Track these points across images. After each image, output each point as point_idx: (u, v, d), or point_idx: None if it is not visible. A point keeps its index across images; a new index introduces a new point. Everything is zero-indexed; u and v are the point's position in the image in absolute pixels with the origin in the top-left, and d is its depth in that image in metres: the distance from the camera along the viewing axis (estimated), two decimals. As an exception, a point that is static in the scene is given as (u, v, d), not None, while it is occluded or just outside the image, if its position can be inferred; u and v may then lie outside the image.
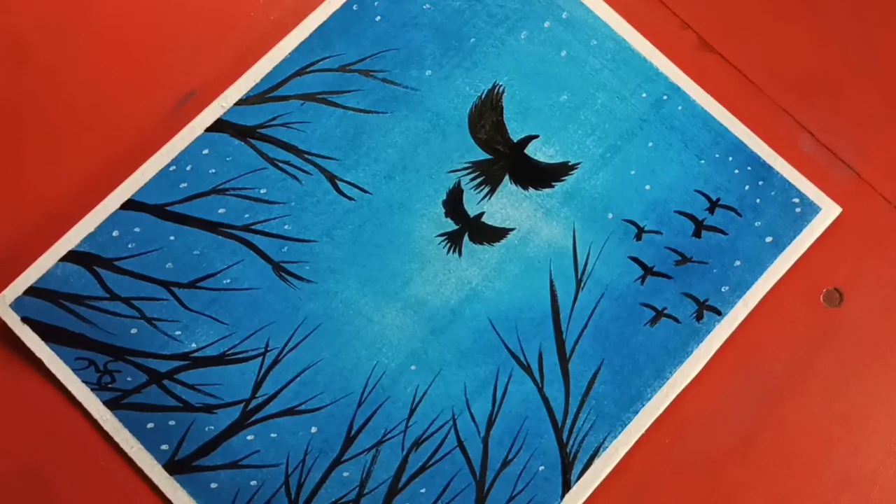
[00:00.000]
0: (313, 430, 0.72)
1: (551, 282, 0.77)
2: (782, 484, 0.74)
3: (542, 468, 0.73)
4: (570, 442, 0.74)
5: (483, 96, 0.80)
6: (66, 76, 0.80)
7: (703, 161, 0.80)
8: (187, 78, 0.80)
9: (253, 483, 0.71)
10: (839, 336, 0.77)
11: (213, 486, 0.71)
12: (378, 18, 0.81)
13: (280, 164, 0.78)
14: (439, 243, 0.77)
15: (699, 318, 0.77)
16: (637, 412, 0.75)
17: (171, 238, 0.76)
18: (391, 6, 0.81)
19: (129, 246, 0.75)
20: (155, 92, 0.79)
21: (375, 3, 0.81)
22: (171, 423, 0.72)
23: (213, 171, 0.77)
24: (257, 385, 0.73)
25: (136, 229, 0.76)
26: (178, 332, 0.74)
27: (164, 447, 0.71)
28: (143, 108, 0.79)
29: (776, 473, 0.74)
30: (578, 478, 0.73)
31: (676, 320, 0.77)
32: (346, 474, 0.72)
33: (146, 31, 0.80)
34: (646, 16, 0.83)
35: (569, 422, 0.74)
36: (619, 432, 0.74)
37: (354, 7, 0.81)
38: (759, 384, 0.76)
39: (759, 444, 0.75)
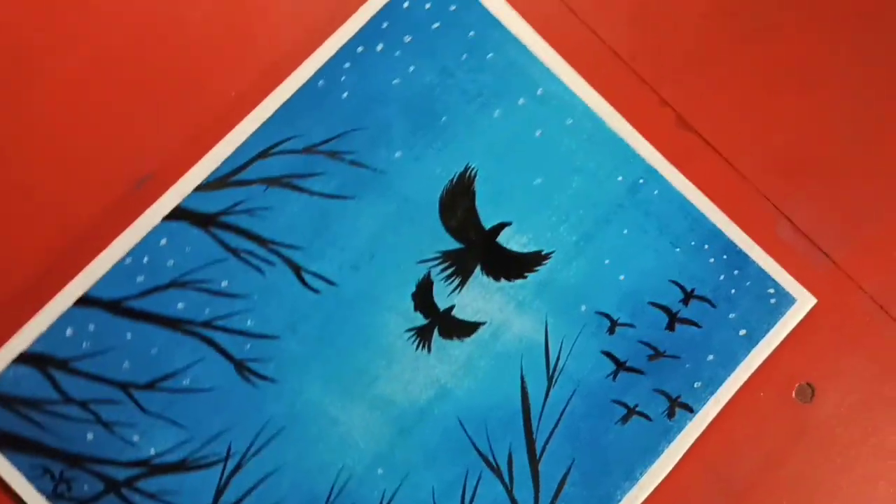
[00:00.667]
0: (278, 537, 0.71)
1: (522, 378, 0.75)
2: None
3: (509, 572, 0.72)
4: (538, 545, 0.73)
5: (455, 180, 0.76)
6: (12, 156, 0.74)
7: (678, 249, 0.77)
8: (143, 158, 0.75)
9: None
10: (810, 433, 0.76)
11: None
12: (345, 95, 0.76)
13: (242, 255, 0.74)
14: (408, 339, 0.74)
15: (671, 415, 0.75)
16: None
17: (128, 336, 0.72)
18: (359, 82, 0.76)
19: (84, 345, 0.71)
20: (109, 174, 0.74)
21: (342, 79, 0.76)
22: (131, 533, 0.70)
23: (171, 262, 0.73)
24: (219, 492, 0.71)
25: (91, 327, 0.71)
26: (135, 438, 0.71)
27: (124, 559, 0.69)
28: (97, 192, 0.74)
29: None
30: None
31: (648, 418, 0.75)
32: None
33: (100, 107, 0.75)
34: (624, 91, 0.79)
35: (536, 527, 0.73)
36: (588, 535, 0.73)
37: (320, 83, 0.76)
38: (730, 484, 0.75)
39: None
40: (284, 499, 0.71)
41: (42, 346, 0.71)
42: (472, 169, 0.76)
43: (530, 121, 0.77)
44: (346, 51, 0.76)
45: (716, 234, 0.77)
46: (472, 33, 0.77)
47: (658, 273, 0.77)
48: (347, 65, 0.76)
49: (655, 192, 0.77)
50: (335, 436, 0.72)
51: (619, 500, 0.73)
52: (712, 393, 0.75)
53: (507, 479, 0.73)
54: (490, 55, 0.77)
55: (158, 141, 0.75)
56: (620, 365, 0.75)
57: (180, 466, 0.71)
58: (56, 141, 0.74)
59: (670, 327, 0.76)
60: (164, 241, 0.73)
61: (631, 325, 0.76)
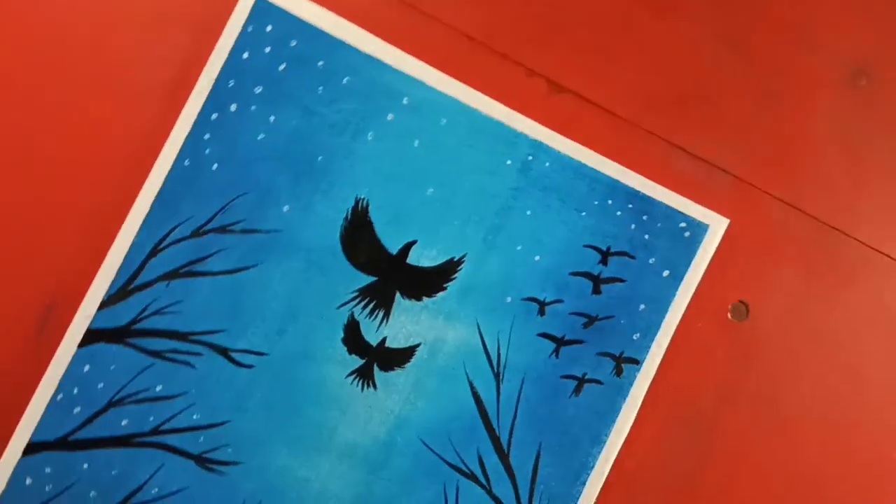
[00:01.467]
0: None
1: (470, 384, 0.75)
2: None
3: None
4: (531, 531, 0.75)
5: (349, 216, 0.75)
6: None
7: (584, 213, 0.76)
8: (38, 293, 0.73)
9: None
10: (755, 349, 0.78)
11: None
12: (215, 167, 0.74)
13: (167, 356, 0.73)
14: (351, 383, 0.74)
15: (619, 373, 0.76)
16: (585, 483, 0.76)
17: (85, 466, 0.72)
18: (224, 149, 0.73)
19: (47, 489, 0.71)
20: (8, 320, 0.72)
21: (207, 151, 0.73)
22: None
23: (101, 385, 0.72)
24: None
25: (47, 469, 0.72)
26: (125, 559, 0.72)
27: None
28: (4, 341, 0.72)
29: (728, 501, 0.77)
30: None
31: (599, 382, 0.76)
32: None
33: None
34: (489, 73, 0.76)
35: (524, 514, 0.75)
36: (573, 507, 0.75)
37: (186, 163, 0.73)
38: (695, 421, 0.77)
39: (706, 478, 0.77)
40: (283, 567, 0.73)
41: (8, 502, 0.71)
42: (363, 200, 0.75)
43: (405, 133, 0.75)
44: (201, 122, 0.73)
45: (615, 187, 0.76)
46: (320, 63, 0.74)
47: (571, 243, 0.76)
48: (207, 136, 0.73)
49: (547, 164, 0.76)
50: (312, 493, 0.73)
51: (593, 466, 0.76)
52: (652, 340, 0.76)
53: (483, 481, 0.75)
54: (346, 79, 0.74)
55: (47, 272, 0.72)
56: (559, 341, 0.76)
57: (176, 571, 0.72)
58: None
59: (596, 291, 0.76)
60: (87, 368, 0.72)
61: (559, 301, 0.76)
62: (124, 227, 0.72)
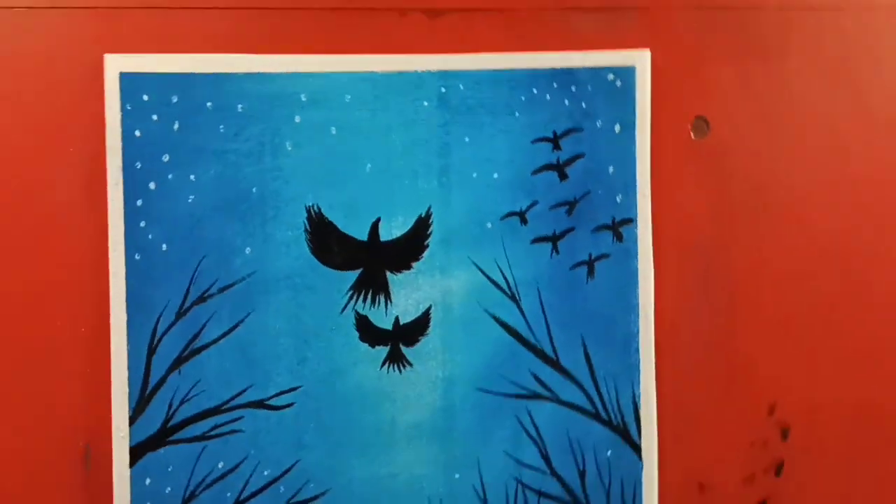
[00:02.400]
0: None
1: (494, 317, 0.75)
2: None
3: (609, 453, 0.75)
4: (612, 417, 0.75)
5: (307, 228, 0.74)
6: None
7: (517, 114, 0.75)
8: (71, 439, 0.72)
9: None
10: (728, 155, 0.76)
11: None
12: (164, 247, 0.72)
13: (211, 434, 0.73)
14: (388, 372, 0.74)
15: (619, 238, 0.76)
16: (637, 350, 0.76)
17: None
18: (164, 226, 0.72)
19: None
20: (57, 471, 0.72)
21: (150, 237, 0.72)
22: None
23: (169, 489, 0.73)
24: None
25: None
26: None
27: None
28: (62, 493, 0.72)
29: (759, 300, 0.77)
30: (640, 434, 0.75)
31: (606, 256, 0.76)
32: None
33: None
34: (363, 32, 0.74)
35: (600, 406, 0.75)
36: (638, 377, 0.75)
37: (137, 257, 0.72)
38: (705, 248, 0.76)
39: (738, 300, 0.76)
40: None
41: None
42: (313, 206, 0.73)
43: (318, 127, 0.73)
44: (130, 215, 0.72)
45: (533, 76, 0.75)
46: (209, 104, 0.72)
47: (518, 146, 0.75)
48: (143, 223, 0.72)
49: (461, 87, 0.74)
50: (403, 486, 0.74)
51: (637, 332, 0.75)
52: (634, 193, 0.76)
53: (549, 395, 0.75)
54: (239, 107, 0.73)
55: (70, 417, 0.72)
56: (552, 239, 0.75)
57: None
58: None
59: (563, 177, 0.75)
60: (148, 481, 0.72)
61: (534, 204, 0.75)
62: (113, 344, 0.71)
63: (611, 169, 0.75)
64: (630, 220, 0.75)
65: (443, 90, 0.74)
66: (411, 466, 0.73)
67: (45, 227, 0.71)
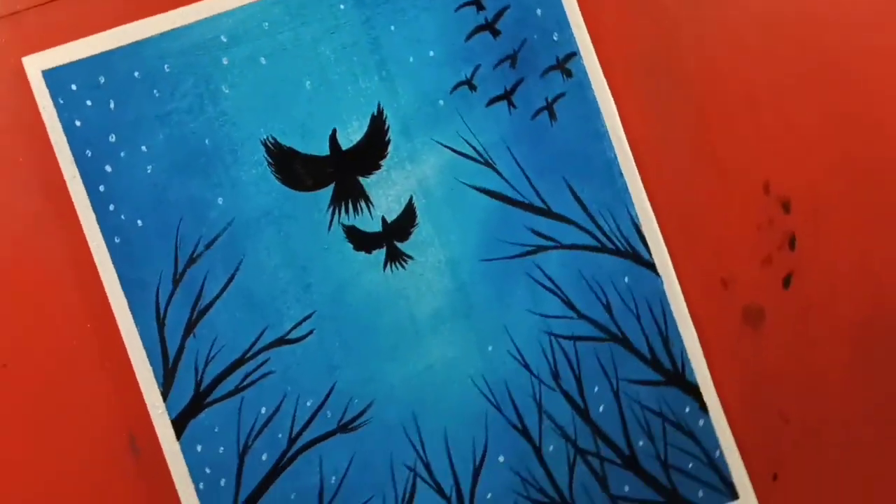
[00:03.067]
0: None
1: (475, 188, 0.75)
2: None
3: (626, 280, 0.75)
4: (619, 245, 0.75)
5: (269, 160, 0.73)
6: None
7: (431, -12, 0.74)
8: (115, 432, 0.72)
9: None
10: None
11: None
12: (139, 223, 0.72)
13: (244, 385, 0.72)
14: (393, 271, 0.74)
15: (569, 74, 0.75)
16: (621, 174, 0.75)
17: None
18: (132, 203, 0.72)
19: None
20: (110, 464, 0.72)
21: (122, 217, 0.72)
22: None
23: (222, 448, 0.73)
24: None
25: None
26: None
27: None
28: (121, 484, 0.72)
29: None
30: (650, 252, 0.75)
31: (561, 95, 0.75)
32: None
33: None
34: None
35: (603, 238, 0.75)
36: (630, 199, 0.75)
37: (116, 240, 0.72)
38: (653, 57, 0.76)
39: (704, 95, 0.76)
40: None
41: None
42: (268, 138, 0.73)
43: (247, 62, 0.73)
44: (96, 202, 0.72)
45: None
46: (136, 74, 0.72)
47: (444, 18, 0.75)
48: (112, 206, 0.72)
49: (368, -19, 0.74)
50: (441, 373, 0.73)
51: (614, 156, 0.75)
52: (567, 27, 0.75)
53: (552, 243, 0.74)
54: (166, 66, 0.72)
55: (108, 415, 0.72)
56: (506, 95, 0.75)
57: None
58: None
59: (495, 33, 0.75)
60: (199, 448, 0.72)
61: (477, 68, 0.75)
62: (122, 329, 0.71)
63: (539, 11, 0.74)
64: (573, 54, 0.74)
65: (360, -8, 0.73)
66: (444, 354, 0.73)
67: (19, 242, 0.71)
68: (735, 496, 0.74)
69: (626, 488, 0.74)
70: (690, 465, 0.74)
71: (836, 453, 0.74)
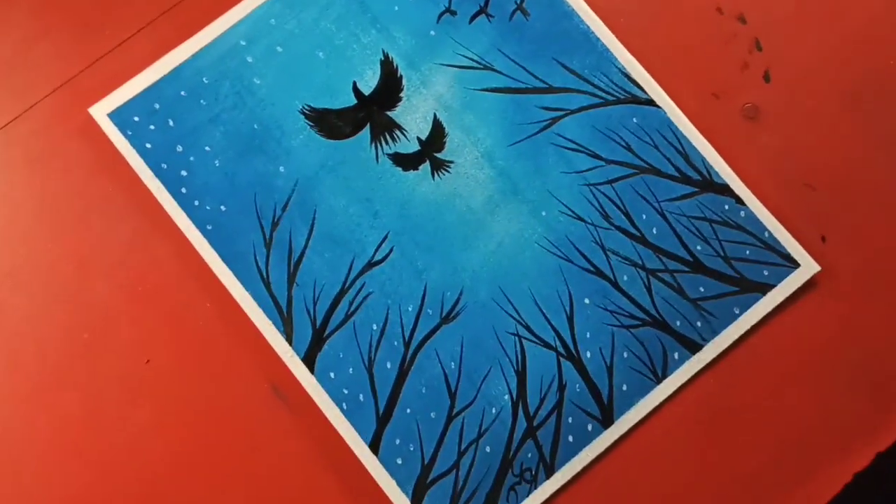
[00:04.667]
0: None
1: (485, 90, 0.85)
2: None
3: (634, 120, 0.84)
4: (618, 94, 0.85)
5: (310, 123, 0.84)
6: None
7: (393, -50, 0.86)
8: (258, 385, 0.80)
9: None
10: None
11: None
12: (223, 208, 0.82)
13: (352, 311, 0.81)
14: (441, 178, 0.83)
15: (526, 14, 0.86)
16: (597, 38, 0.85)
17: (408, 411, 0.80)
18: (214, 193, 0.82)
19: (410, 448, 0.79)
20: (263, 412, 0.80)
21: (208, 208, 0.82)
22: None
23: (351, 370, 0.80)
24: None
25: (397, 441, 0.79)
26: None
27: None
28: (279, 428, 0.79)
29: None
30: (644, 91, 0.84)
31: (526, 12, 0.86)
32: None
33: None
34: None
35: (603, 94, 0.85)
36: (613, 55, 0.85)
37: (209, 227, 0.82)
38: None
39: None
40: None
41: (402, 477, 0.78)
42: (304, 107, 0.84)
43: (267, 56, 0.84)
44: (185, 205, 0.81)
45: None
46: (182, 93, 0.83)
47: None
48: (196, 202, 0.81)
49: (341, -39, 0.86)
50: (511, 247, 0.82)
51: (587, 28, 0.85)
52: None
53: (562, 111, 0.84)
54: (204, 79, 0.83)
55: (247, 373, 0.80)
56: (483, 10, 0.86)
57: (524, 372, 0.80)
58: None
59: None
60: (332, 375, 0.79)
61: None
62: (237, 298, 0.80)
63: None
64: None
65: (333, -29, 0.85)
66: (508, 229, 0.82)
67: (127, 258, 0.81)
68: (796, 264, 0.81)
69: (702, 289, 0.81)
70: (748, 252, 0.82)
71: (862, 199, 0.82)
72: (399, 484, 0.76)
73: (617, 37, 0.84)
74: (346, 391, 0.78)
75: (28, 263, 0.79)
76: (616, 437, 0.78)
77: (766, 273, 0.81)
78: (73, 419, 0.76)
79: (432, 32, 0.84)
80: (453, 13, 0.84)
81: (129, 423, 0.76)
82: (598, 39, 0.84)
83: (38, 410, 0.76)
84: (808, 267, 0.81)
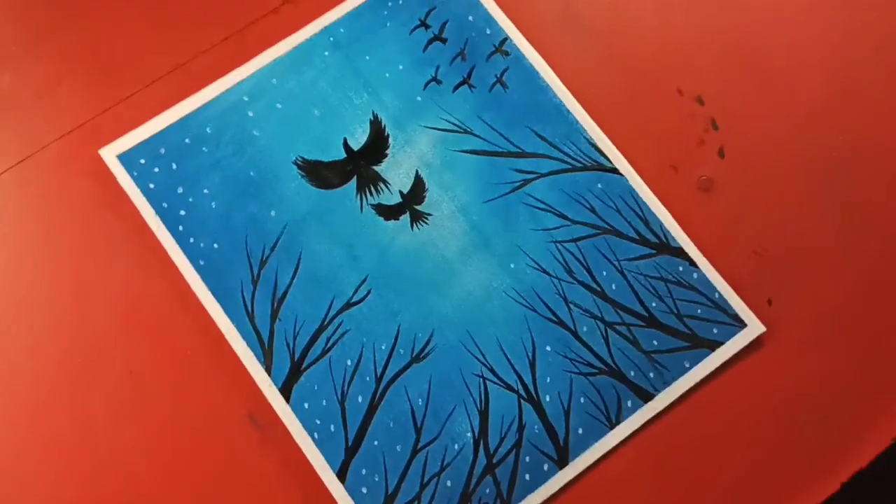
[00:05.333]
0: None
1: (463, 151, 0.92)
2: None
3: (599, 185, 0.92)
4: (584, 163, 0.92)
5: (302, 174, 0.91)
6: None
7: (388, 23, 0.95)
8: (236, 411, 0.84)
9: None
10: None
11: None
12: (216, 245, 0.88)
13: (329, 348, 0.86)
14: (419, 229, 0.90)
15: (506, 54, 0.95)
16: (568, 110, 0.93)
17: (375, 443, 0.84)
18: (206, 234, 0.88)
19: (376, 478, 0.83)
20: (236, 437, 0.84)
21: (202, 245, 0.88)
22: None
23: (324, 401, 0.84)
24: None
25: (363, 472, 0.83)
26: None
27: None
28: (249, 451, 0.84)
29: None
30: (609, 160, 0.92)
31: (506, 69, 0.95)
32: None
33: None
34: (263, 35, 0.95)
35: (571, 160, 0.92)
36: (583, 127, 0.93)
37: (201, 262, 0.88)
38: (569, 12, 0.96)
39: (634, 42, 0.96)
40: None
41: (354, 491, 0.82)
42: (297, 159, 0.91)
43: (267, 112, 0.91)
44: (181, 242, 0.87)
45: (380, -4, 0.96)
46: (187, 140, 0.90)
47: (403, 39, 0.94)
48: (192, 239, 0.88)
49: (341, 30, 0.95)
50: (480, 295, 0.88)
51: (559, 101, 0.93)
52: (492, 20, 0.95)
53: (533, 174, 0.92)
54: (208, 129, 0.91)
55: (227, 400, 0.85)
56: (466, 81, 0.94)
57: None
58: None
59: (444, 41, 0.95)
60: (307, 405, 0.84)
61: (438, 67, 0.94)
62: (223, 331, 0.85)
63: (470, 17, 0.95)
64: (505, 39, 0.95)
65: (331, 39, 0.94)
66: (478, 279, 0.88)
67: (127, 286, 0.86)
68: (743, 324, 0.87)
69: (655, 343, 0.87)
70: (699, 311, 0.88)
71: (806, 266, 0.89)
72: (362, 513, 0.80)
73: (587, 111, 0.91)
74: (318, 421, 0.82)
75: (32, 291, 0.84)
76: (570, 477, 0.82)
77: (715, 331, 0.86)
78: (66, 438, 0.81)
79: (419, 98, 0.92)
80: (439, 82, 0.92)
81: (117, 442, 0.81)
82: (569, 112, 0.92)
83: (32, 429, 0.81)
84: (755, 327, 0.86)
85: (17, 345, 0.82)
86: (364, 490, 0.81)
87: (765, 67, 0.93)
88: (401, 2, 0.94)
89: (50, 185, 0.87)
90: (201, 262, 0.86)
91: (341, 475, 0.81)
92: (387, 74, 0.92)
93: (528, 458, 0.83)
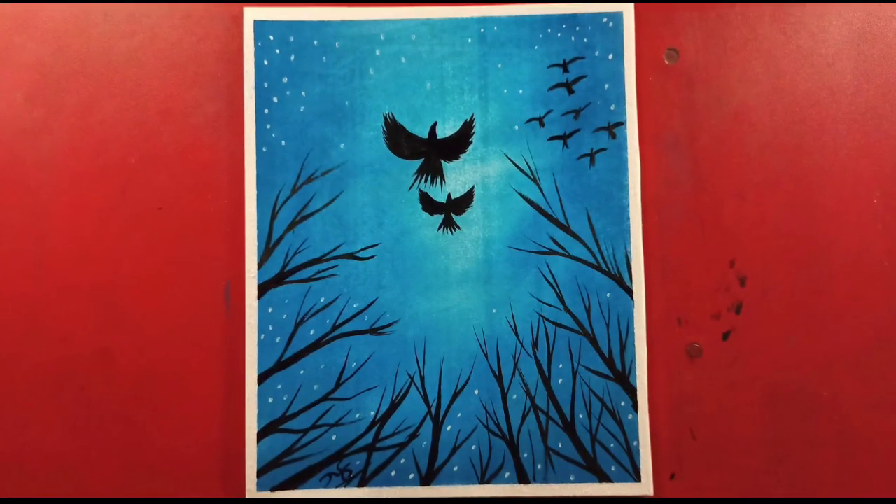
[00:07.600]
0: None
1: (519, 194, 0.94)
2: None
3: (608, 295, 0.94)
4: (610, 268, 0.94)
5: (385, 129, 0.95)
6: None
7: (537, 47, 0.95)
8: (218, 278, 0.94)
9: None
10: (695, 78, 0.96)
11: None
12: (283, 143, 0.94)
13: (316, 277, 0.93)
14: (443, 233, 0.94)
15: (613, 136, 0.95)
16: (628, 219, 0.94)
17: (301, 372, 0.93)
18: (283, 128, 0.94)
19: (284, 398, 0.92)
20: (208, 299, 0.94)
21: (273, 136, 0.94)
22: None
23: (285, 315, 0.92)
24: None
25: (279, 386, 0.92)
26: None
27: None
28: (212, 314, 0.94)
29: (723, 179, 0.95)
30: (631, 280, 0.94)
31: (603, 149, 0.95)
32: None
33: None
34: (425, -9, 0.96)
35: (601, 259, 0.94)
36: (629, 238, 0.94)
37: (264, 149, 0.94)
38: (681, 142, 0.95)
39: (706, 181, 0.95)
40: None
41: (263, 417, 0.92)
42: (388, 114, 0.95)
43: (392, 58, 0.94)
44: (259, 118, 0.93)
45: (548, 19, 0.95)
46: (315, 42, 0.94)
47: (538, 69, 0.95)
48: (268, 125, 0.94)
49: (495, 28, 0.95)
50: (456, 317, 0.93)
51: (628, 205, 0.94)
52: (623, 103, 0.95)
53: (561, 251, 0.94)
54: (337, 44, 0.94)
55: (218, 263, 0.94)
56: (563, 137, 0.95)
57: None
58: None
59: (570, 91, 0.95)
60: (270, 310, 0.92)
61: (549, 111, 0.95)
62: (246, 211, 0.93)
63: (606, 86, 0.95)
64: (621, 123, 0.95)
65: (482, 31, 0.95)
66: (460, 303, 0.93)
67: (201, 128, 0.94)
68: (638, 479, 0.92)
69: (560, 445, 0.92)
70: (612, 445, 0.92)
71: (727, 474, 0.91)
72: (258, 417, 0.90)
73: (643, 228, 0.92)
74: (271, 327, 0.91)
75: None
76: (423, 495, 0.90)
77: (613, 469, 0.91)
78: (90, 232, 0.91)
79: (516, 127, 0.94)
80: (542, 124, 0.94)
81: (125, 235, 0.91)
82: (628, 219, 0.93)
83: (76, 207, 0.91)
84: (645, 488, 0.91)
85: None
86: (270, 400, 0.90)
87: (818, 270, 0.92)
88: (559, 35, 0.94)
89: (189, 21, 0.93)
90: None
91: (262, 378, 0.90)
92: (505, 90, 0.94)
93: (402, 461, 0.91)
